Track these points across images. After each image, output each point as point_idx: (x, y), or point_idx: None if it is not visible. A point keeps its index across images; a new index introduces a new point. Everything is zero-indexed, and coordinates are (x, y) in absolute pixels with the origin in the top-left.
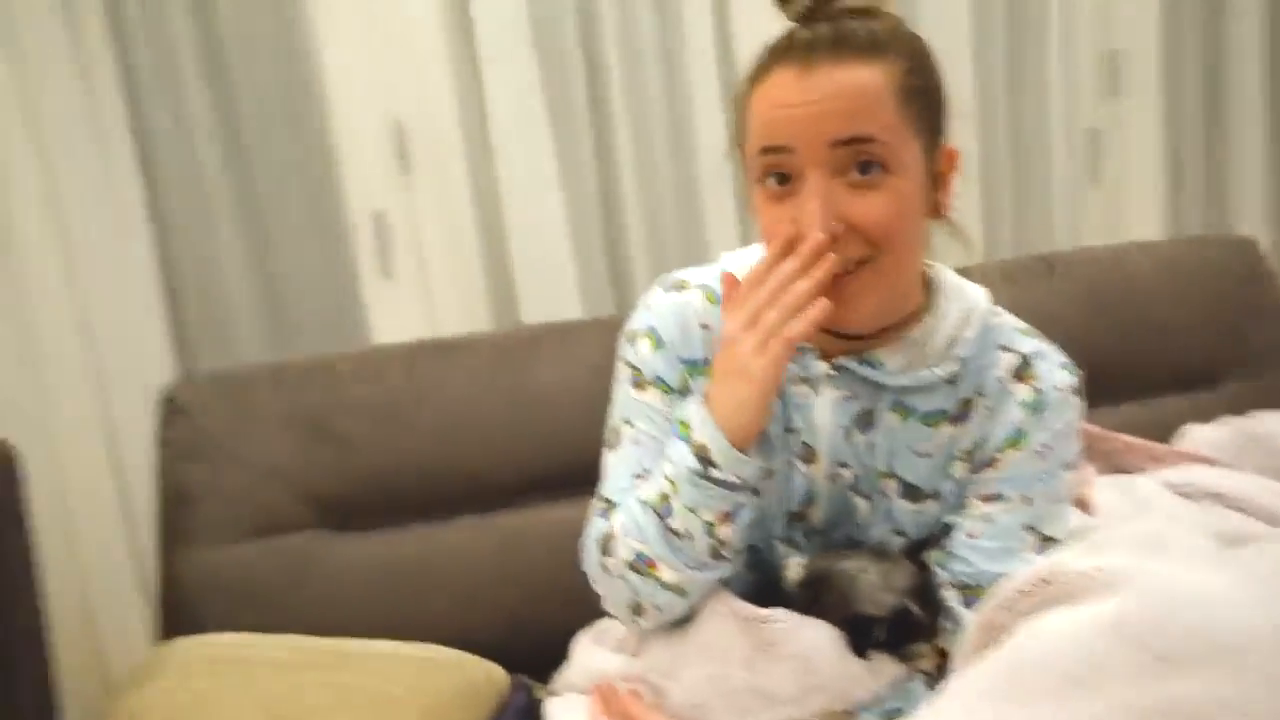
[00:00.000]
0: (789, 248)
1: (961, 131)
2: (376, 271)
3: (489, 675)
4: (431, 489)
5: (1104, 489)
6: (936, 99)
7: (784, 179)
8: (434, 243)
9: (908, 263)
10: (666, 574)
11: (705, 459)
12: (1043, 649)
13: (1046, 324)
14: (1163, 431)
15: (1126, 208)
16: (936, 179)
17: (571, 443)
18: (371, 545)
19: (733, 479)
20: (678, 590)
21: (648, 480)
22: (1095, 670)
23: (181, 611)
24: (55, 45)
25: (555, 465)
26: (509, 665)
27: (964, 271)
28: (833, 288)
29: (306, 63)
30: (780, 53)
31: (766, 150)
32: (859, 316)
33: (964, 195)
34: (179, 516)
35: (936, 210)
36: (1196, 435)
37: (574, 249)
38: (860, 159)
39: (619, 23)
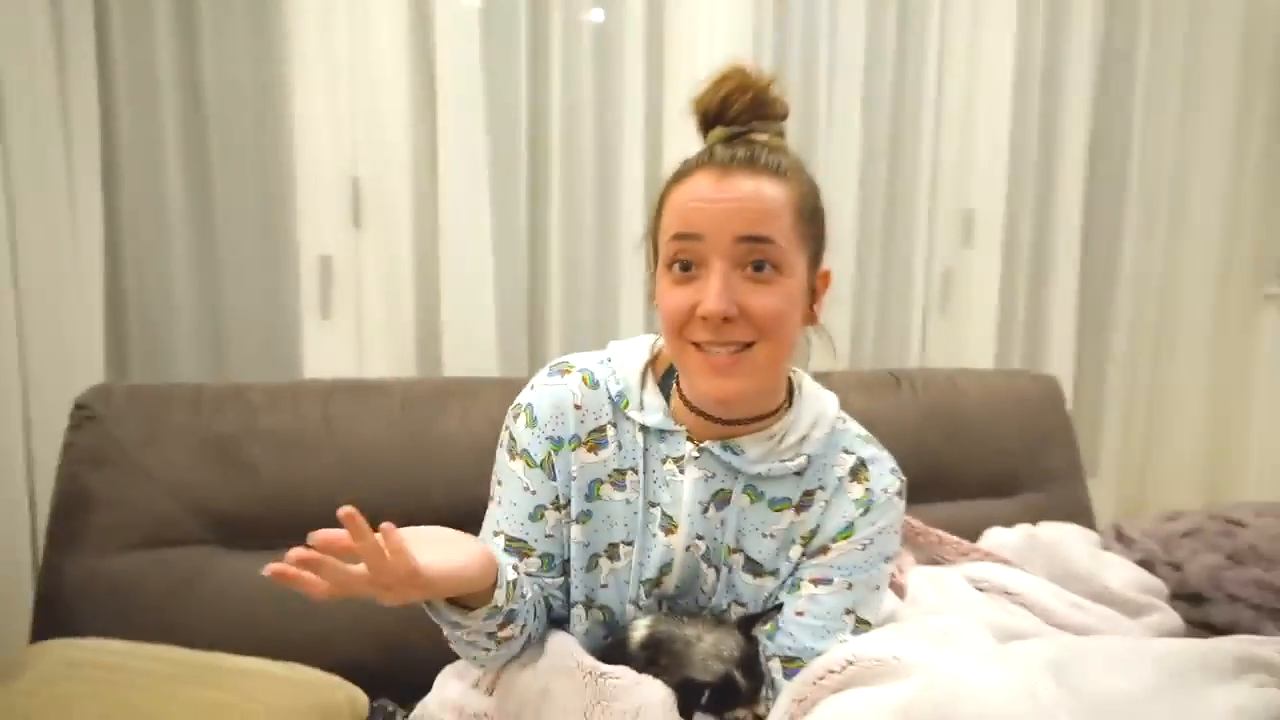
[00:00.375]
0: (683, 328)
1: (842, 261)
2: (316, 311)
3: (350, 698)
4: (327, 518)
5: (917, 577)
6: (821, 227)
7: (687, 266)
8: (372, 291)
9: (781, 356)
10: (476, 655)
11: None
12: None
13: (889, 429)
14: (969, 530)
15: (966, 337)
16: (813, 292)
17: (463, 489)
18: (261, 564)
19: (476, 627)
20: (492, 659)
21: None
22: None
23: (60, 615)
24: (40, 58)
25: (446, 508)
26: (382, 689)
27: (826, 376)
28: (717, 368)
29: (278, 112)
30: (702, 161)
31: (680, 236)
32: (735, 394)
33: (837, 313)
34: (72, 520)
35: (810, 318)
36: (996, 537)
37: (498, 313)
38: (757, 257)
39: (565, 122)
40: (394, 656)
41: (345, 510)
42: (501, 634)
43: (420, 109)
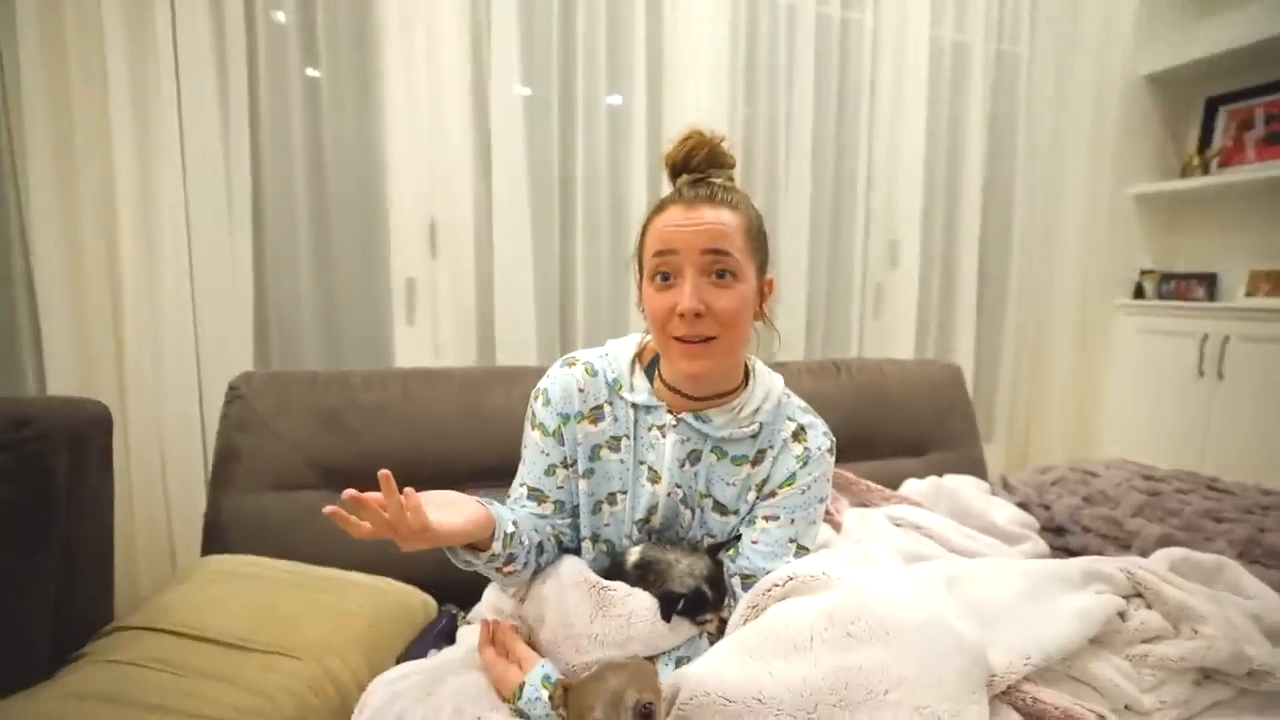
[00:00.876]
0: (666, 324)
1: (797, 278)
2: (404, 318)
3: (424, 603)
4: (406, 469)
5: (849, 516)
6: (765, 245)
7: (666, 277)
8: (445, 303)
9: (739, 346)
10: (495, 580)
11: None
12: (783, 623)
13: (830, 403)
14: (891, 480)
15: (892, 335)
16: (761, 295)
17: (504, 449)
18: None
19: (483, 565)
20: (507, 583)
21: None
22: (810, 640)
23: (218, 537)
24: (211, 133)
25: (491, 462)
26: (448, 597)
27: (784, 365)
28: (690, 353)
29: (376, 170)
30: (674, 198)
31: (660, 253)
32: (702, 373)
33: (794, 318)
34: (226, 470)
35: (759, 315)
36: (911, 485)
37: (537, 320)
38: (718, 267)
39: (586, 178)
40: (456, 575)
41: (383, 472)
42: (505, 569)
43: (480, 170)
